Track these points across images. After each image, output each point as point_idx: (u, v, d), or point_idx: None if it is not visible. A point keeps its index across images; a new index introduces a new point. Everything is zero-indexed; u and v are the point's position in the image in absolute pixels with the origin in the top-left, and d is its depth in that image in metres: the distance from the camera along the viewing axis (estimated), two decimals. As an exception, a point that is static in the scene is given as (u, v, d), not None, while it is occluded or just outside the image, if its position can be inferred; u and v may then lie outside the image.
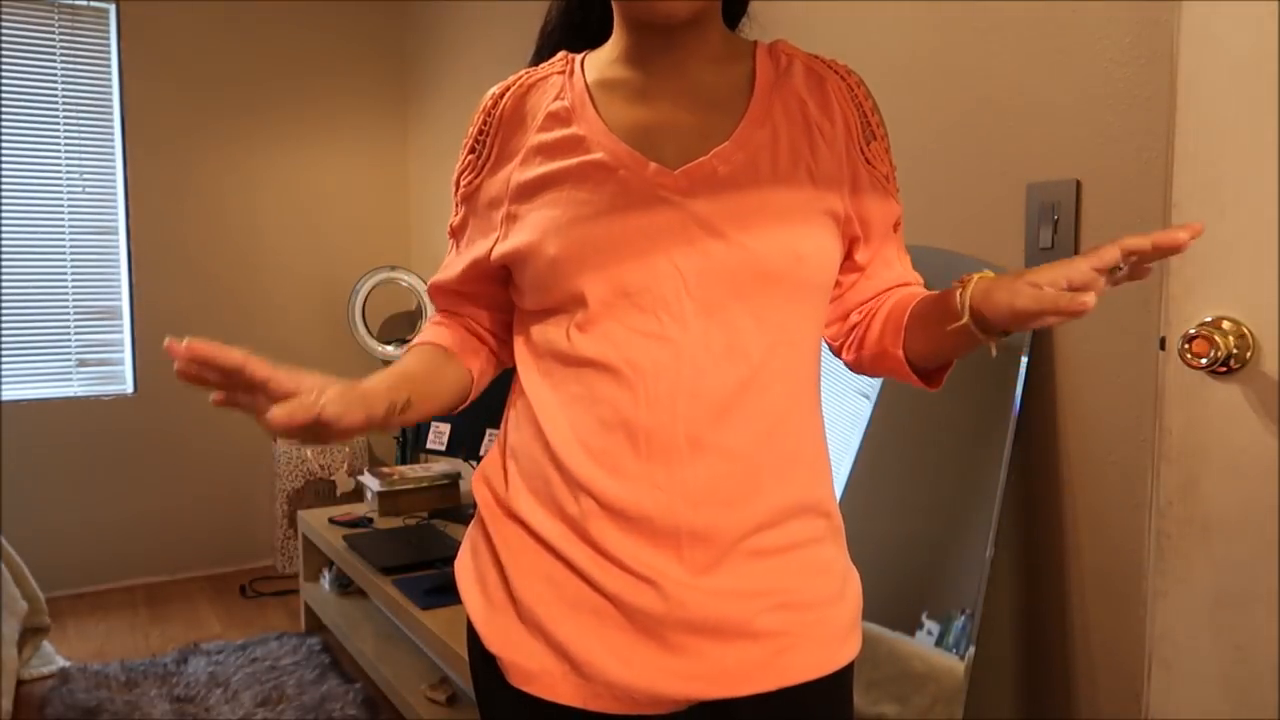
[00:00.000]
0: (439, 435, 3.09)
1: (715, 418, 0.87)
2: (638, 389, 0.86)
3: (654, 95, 0.94)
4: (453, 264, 1.01)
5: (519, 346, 0.97)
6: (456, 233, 1.02)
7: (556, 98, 0.95)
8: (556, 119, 0.94)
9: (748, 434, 0.88)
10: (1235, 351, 1.16)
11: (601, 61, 0.97)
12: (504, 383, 1.02)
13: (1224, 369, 1.18)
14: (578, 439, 0.89)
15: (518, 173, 0.94)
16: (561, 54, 0.99)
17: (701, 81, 0.94)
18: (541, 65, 0.99)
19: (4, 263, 3.55)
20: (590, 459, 0.88)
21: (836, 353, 1.05)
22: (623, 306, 0.88)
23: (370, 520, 3.12)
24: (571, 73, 0.97)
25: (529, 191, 0.93)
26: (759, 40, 1.00)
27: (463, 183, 0.99)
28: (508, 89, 0.97)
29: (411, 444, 4.01)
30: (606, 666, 0.87)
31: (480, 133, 0.98)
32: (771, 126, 0.93)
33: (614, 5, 0.95)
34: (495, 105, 0.97)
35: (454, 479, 3.27)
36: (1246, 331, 1.17)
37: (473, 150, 0.98)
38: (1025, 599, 1.70)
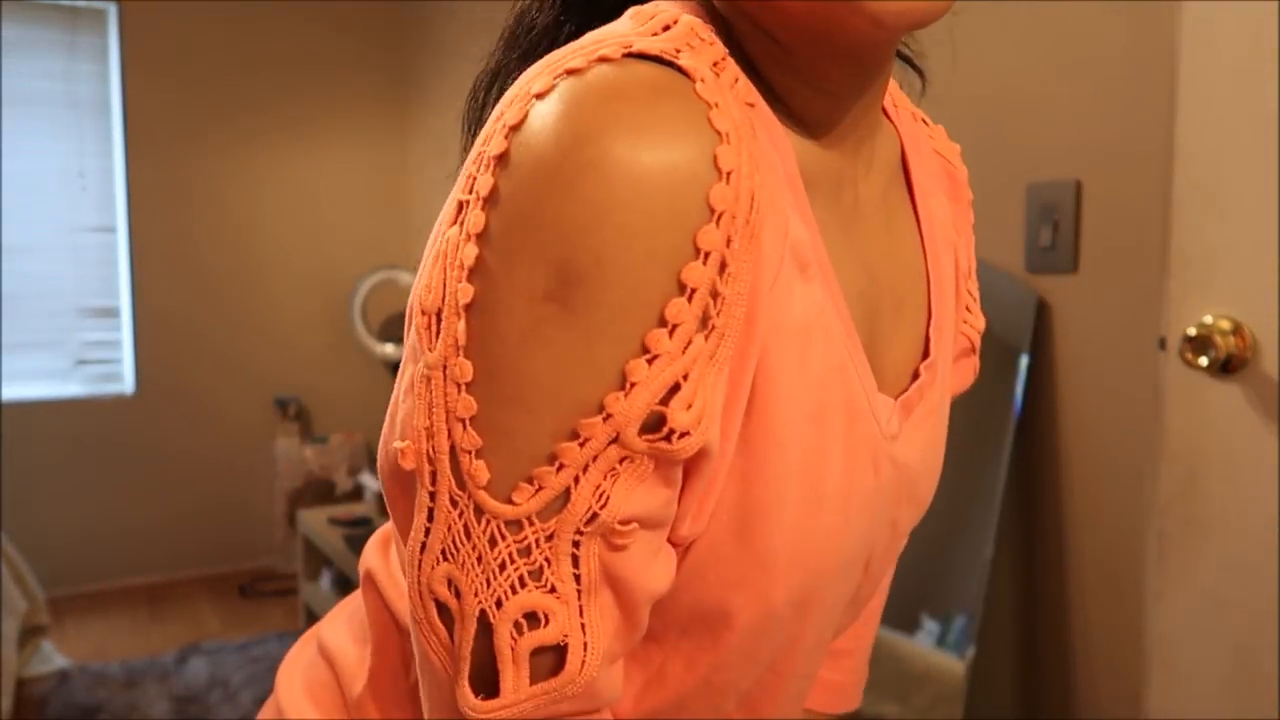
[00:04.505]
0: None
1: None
2: None
3: (852, 209, 0.52)
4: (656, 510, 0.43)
5: None
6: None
7: (787, 195, 0.46)
8: (800, 263, 0.46)
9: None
10: (1235, 352, 1.16)
11: (777, 116, 0.48)
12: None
13: (1224, 369, 1.18)
14: None
15: (763, 371, 0.44)
16: (722, 59, 0.45)
17: (878, 171, 0.55)
18: (711, 85, 0.41)
19: (4, 262, 3.54)
20: None
21: None
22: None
23: (370, 520, 3.12)
24: (768, 123, 0.47)
25: (767, 417, 0.45)
26: None
27: (678, 341, 0.40)
28: (741, 163, 0.40)
29: (411, 444, 4.00)
30: None
31: (723, 263, 0.40)
32: (948, 273, 0.59)
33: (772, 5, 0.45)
34: (746, 194, 0.40)
35: (454, 479, 3.27)
36: (1247, 331, 1.17)
37: (713, 293, 0.40)
38: (1025, 599, 1.70)
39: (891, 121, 0.59)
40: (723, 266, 0.40)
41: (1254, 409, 1.17)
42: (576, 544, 0.41)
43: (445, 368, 0.41)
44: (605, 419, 0.40)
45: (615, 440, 0.40)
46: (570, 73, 0.40)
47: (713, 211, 0.39)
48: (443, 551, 0.42)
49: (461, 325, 0.41)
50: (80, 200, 3.66)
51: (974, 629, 1.58)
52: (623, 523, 0.41)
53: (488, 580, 0.42)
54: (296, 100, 3.99)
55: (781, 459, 0.45)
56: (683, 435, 0.40)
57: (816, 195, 0.49)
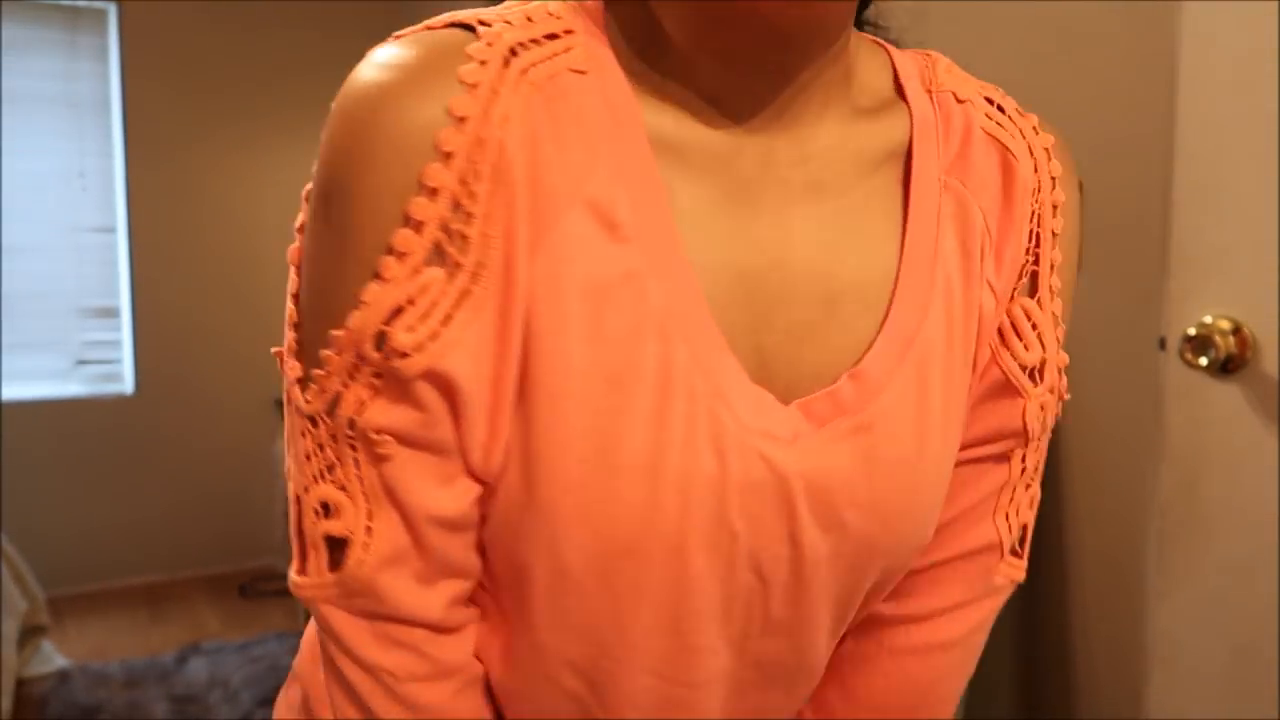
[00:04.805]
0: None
1: None
2: None
3: (753, 188, 0.49)
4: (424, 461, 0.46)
5: None
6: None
7: (603, 156, 0.45)
8: (606, 222, 0.45)
9: None
10: (1235, 352, 1.16)
11: (647, 75, 0.48)
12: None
13: (1224, 369, 1.18)
14: None
15: (535, 329, 0.45)
16: (564, 31, 0.46)
17: (832, 157, 0.51)
18: (493, 48, 0.44)
19: (4, 262, 3.54)
20: None
21: None
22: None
23: (370, 520, 3.12)
24: (611, 91, 0.46)
25: (544, 368, 0.45)
26: (888, 47, 0.56)
27: (391, 281, 0.44)
28: (483, 111, 0.43)
29: (411, 444, 4.01)
30: None
31: (457, 203, 0.43)
32: (944, 280, 0.52)
33: None
34: (493, 143, 0.43)
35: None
36: (1246, 331, 1.17)
37: (451, 232, 0.43)
38: (1025, 599, 1.70)
39: (908, 105, 0.53)
40: (457, 206, 0.43)
41: (1254, 409, 1.17)
42: (353, 448, 0.46)
43: (289, 280, 0.49)
44: (346, 333, 0.44)
45: (360, 354, 0.44)
46: (396, 38, 0.46)
47: (440, 152, 0.42)
48: (287, 441, 0.49)
49: (296, 243, 0.50)
50: (80, 200, 3.66)
51: (974, 629, 1.58)
52: (376, 432, 0.45)
53: (300, 468, 0.48)
54: (297, 100, 3.99)
55: (560, 412, 0.45)
56: (403, 355, 0.43)
57: (686, 166, 0.48)
